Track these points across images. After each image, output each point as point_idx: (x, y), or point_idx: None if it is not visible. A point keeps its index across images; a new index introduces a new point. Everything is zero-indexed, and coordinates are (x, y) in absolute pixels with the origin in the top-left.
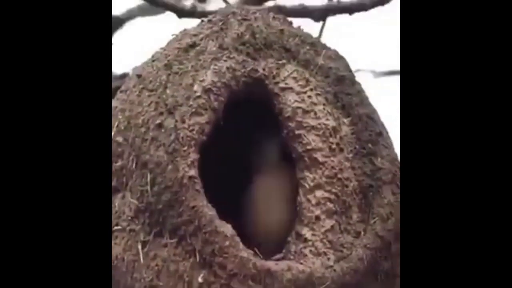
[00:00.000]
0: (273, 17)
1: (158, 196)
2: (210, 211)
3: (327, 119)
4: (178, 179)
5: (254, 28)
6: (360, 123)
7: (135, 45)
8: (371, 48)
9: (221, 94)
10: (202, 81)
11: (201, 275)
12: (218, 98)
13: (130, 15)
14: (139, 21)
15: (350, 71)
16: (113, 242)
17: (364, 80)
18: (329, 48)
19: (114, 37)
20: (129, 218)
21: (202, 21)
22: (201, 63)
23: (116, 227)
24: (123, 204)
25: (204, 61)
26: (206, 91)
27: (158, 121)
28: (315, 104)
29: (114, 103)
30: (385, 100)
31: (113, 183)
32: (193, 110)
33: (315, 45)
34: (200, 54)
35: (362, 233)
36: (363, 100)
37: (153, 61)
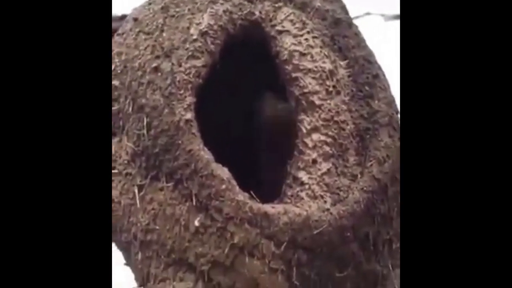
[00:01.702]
0: None
1: (155, 140)
2: (206, 155)
3: (324, 62)
4: (174, 123)
5: None
6: (356, 65)
7: None
8: None
9: (218, 37)
10: (198, 24)
11: (198, 218)
12: (214, 41)
13: None
14: None
15: (347, 13)
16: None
17: (374, 24)
18: None
19: None
20: (126, 161)
21: None
22: (198, 6)
23: (113, 171)
24: (119, 148)
25: (201, 4)
26: (203, 34)
27: (154, 65)
28: (311, 47)
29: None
30: (395, 43)
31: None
32: (190, 53)
33: None
34: None
35: (359, 176)
36: (360, 43)
37: (150, 4)
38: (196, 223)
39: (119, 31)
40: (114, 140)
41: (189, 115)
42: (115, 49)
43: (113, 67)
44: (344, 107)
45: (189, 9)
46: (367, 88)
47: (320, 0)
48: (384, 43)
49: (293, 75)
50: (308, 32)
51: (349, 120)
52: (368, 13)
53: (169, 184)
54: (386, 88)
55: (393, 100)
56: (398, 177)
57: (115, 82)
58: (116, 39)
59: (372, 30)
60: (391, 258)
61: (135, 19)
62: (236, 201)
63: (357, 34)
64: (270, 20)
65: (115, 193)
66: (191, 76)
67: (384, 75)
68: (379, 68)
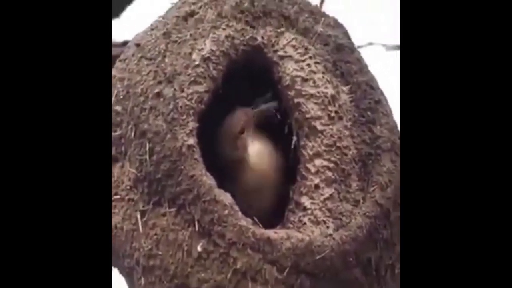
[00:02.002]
0: None
1: (157, 165)
2: (209, 180)
3: (326, 87)
4: (177, 148)
5: None
6: (359, 91)
7: (146, 15)
8: (383, 21)
9: (220, 62)
10: (200, 50)
11: (200, 244)
12: (217, 66)
13: None
14: None
15: (349, 39)
16: (112, 211)
17: (376, 54)
18: (328, 16)
19: (127, 7)
20: (128, 187)
21: None
22: (200, 31)
23: (115, 197)
24: (122, 174)
25: (203, 30)
26: (205, 60)
27: (156, 90)
28: (314, 72)
29: (113, 72)
30: (397, 74)
31: (112, 152)
32: (192, 79)
33: (314, 12)
34: (199, 23)
35: (361, 201)
36: (362, 68)
37: (152, 29)
38: (199, 249)
39: (121, 57)
40: (116, 166)
41: (192, 141)
42: (117, 74)
43: (115, 92)
44: (347, 132)
45: (191, 35)
46: (369, 113)
47: (323, 26)
48: (386, 73)
49: (296, 100)
50: (310, 58)
51: (351, 146)
52: (370, 43)
53: (171, 210)
54: (388, 113)
55: (395, 126)
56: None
57: (117, 108)
58: (118, 64)
59: (374, 60)
60: (393, 283)
61: (138, 45)
62: (239, 227)
63: (360, 59)
64: (272, 46)
65: (117, 218)
66: (193, 101)
67: (386, 101)
68: (382, 93)
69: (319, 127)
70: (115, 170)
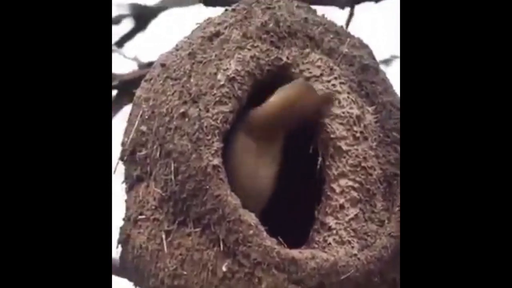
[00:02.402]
0: (297, 6)
1: (182, 185)
2: (234, 200)
3: (351, 108)
4: (202, 168)
5: (278, 16)
6: (384, 111)
7: (168, 35)
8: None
9: (245, 83)
10: (226, 70)
11: (225, 264)
12: (241, 86)
13: (164, 5)
14: (173, 11)
15: (374, 59)
16: (137, 231)
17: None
18: (353, 36)
19: (148, 26)
20: (153, 207)
21: (226, 9)
22: (225, 52)
23: (140, 217)
24: (147, 194)
25: (228, 50)
26: (230, 80)
27: (182, 110)
28: (339, 92)
29: (138, 92)
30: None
31: (137, 172)
32: (217, 99)
33: (339, 33)
34: (224, 43)
35: (386, 221)
36: (387, 89)
37: (177, 50)
38: (224, 269)
39: (147, 77)
40: (142, 186)
41: (216, 161)
42: (142, 94)
43: (140, 112)
44: (372, 153)
45: (216, 55)
46: (394, 133)
47: (348, 46)
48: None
49: (321, 120)
50: (335, 78)
51: (376, 166)
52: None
53: (196, 229)
54: None
55: None
56: None
57: (142, 128)
58: (143, 85)
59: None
60: None
61: (163, 65)
62: (263, 246)
63: (384, 79)
64: (298, 66)
65: (142, 238)
66: (218, 121)
67: None
68: None
69: (344, 147)
70: (140, 190)
